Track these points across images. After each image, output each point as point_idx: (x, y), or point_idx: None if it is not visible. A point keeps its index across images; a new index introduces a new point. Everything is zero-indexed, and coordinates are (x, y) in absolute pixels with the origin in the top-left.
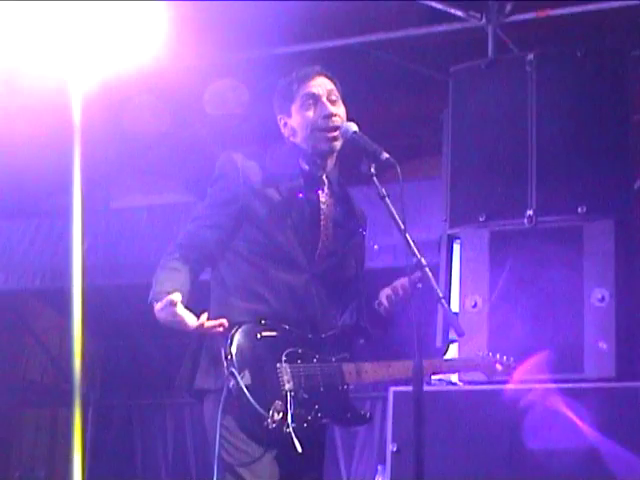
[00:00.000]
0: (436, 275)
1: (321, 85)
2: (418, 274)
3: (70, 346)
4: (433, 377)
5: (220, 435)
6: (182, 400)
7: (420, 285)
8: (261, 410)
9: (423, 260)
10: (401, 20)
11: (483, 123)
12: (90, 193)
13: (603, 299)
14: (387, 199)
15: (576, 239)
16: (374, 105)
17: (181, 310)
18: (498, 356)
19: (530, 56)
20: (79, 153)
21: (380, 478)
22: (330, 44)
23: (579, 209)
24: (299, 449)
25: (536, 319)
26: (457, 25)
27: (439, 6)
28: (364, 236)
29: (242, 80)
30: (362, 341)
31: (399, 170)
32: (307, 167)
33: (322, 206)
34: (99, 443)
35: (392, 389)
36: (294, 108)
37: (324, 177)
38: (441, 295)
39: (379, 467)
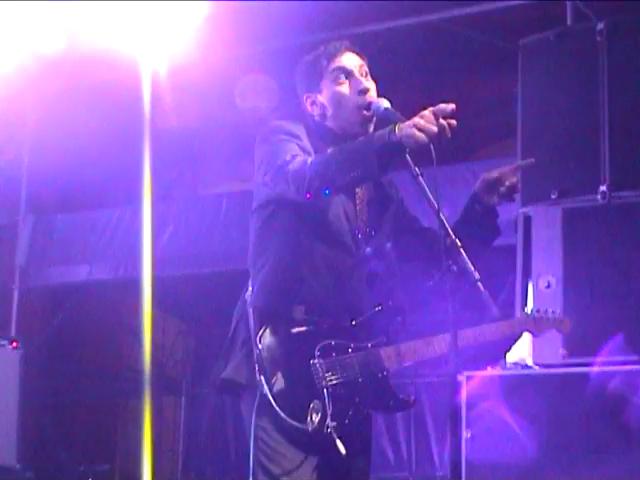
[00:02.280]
0: (514, 255)
1: (351, 60)
2: None
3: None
4: (508, 361)
5: (258, 437)
6: None
7: (455, 267)
8: (294, 416)
9: (458, 241)
10: None
11: (553, 97)
12: (179, 180)
13: None
14: (420, 178)
15: None
16: (465, 84)
17: None
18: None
19: (600, 25)
20: (149, 144)
21: None
22: (410, 21)
23: None
24: (343, 451)
25: (612, 299)
26: None
27: None
28: (403, 204)
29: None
30: (399, 320)
31: (433, 148)
32: None
33: (356, 189)
34: (192, 431)
35: (465, 373)
36: (325, 84)
37: None
38: (477, 277)
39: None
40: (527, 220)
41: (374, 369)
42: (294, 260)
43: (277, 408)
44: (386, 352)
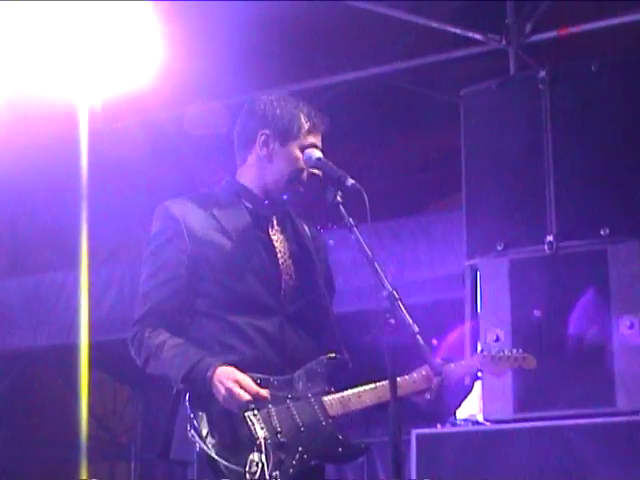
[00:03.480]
0: (463, 309)
1: (319, 141)
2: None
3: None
4: (458, 417)
5: None
6: None
7: (393, 321)
8: (232, 465)
9: (395, 293)
10: (420, 48)
11: (496, 147)
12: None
13: (632, 326)
14: (355, 228)
15: (601, 263)
16: (410, 139)
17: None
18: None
19: (542, 73)
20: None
21: None
22: (349, 77)
23: (602, 231)
24: None
25: (562, 351)
26: (477, 49)
27: (457, 30)
28: (326, 260)
29: None
30: (340, 369)
31: (366, 197)
32: (251, 205)
33: (275, 244)
34: None
35: (415, 432)
36: (294, 145)
37: (271, 213)
38: (416, 330)
39: None
40: (473, 272)
41: (317, 417)
42: (221, 335)
43: (215, 456)
44: (330, 400)
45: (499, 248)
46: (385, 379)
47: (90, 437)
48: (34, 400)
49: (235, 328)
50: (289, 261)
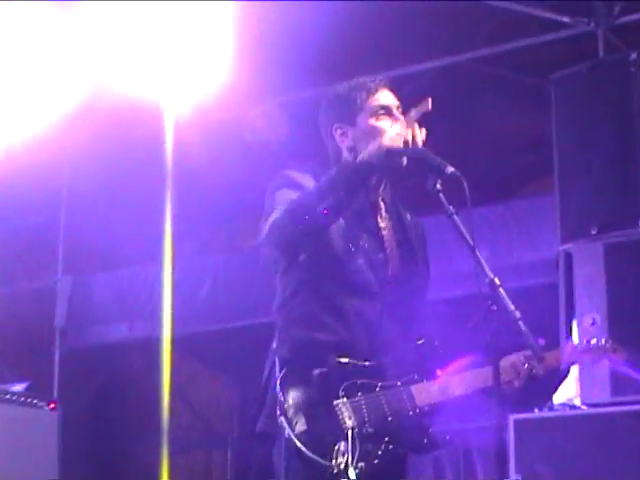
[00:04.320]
0: (557, 294)
1: (390, 98)
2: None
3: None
4: (555, 402)
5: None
6: None
7: (495, 307)
8: (318, 457)
9: (497, 280)
10: (507, 32)
11: (588, 130)
12: (216, 233)
13: None
14: (455, 216)
15: None
16: (493, 126)
17: None
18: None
19: (633, 55)
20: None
21: None
22: (435, 64)
23: None
24: None
25: None
26: (565, 32)
27: (545, 14)
28: (425, 247)
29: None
30: (432, 357)
31: (465, 184)
32: (362, 192)
33: (383, 232)
34: None
35: (512, 417)
36: (362, 117)
37: (379, 200)
38: (518, 316)
39: None
40: (568, 257)
41: (405, 407)
42: (318, 311)
43: (302, 447)
44: (417, 389)
45: (593, 232)
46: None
47: (186, 427)
48: (129, 394)
49: (335, 307)
50: (396, 250)
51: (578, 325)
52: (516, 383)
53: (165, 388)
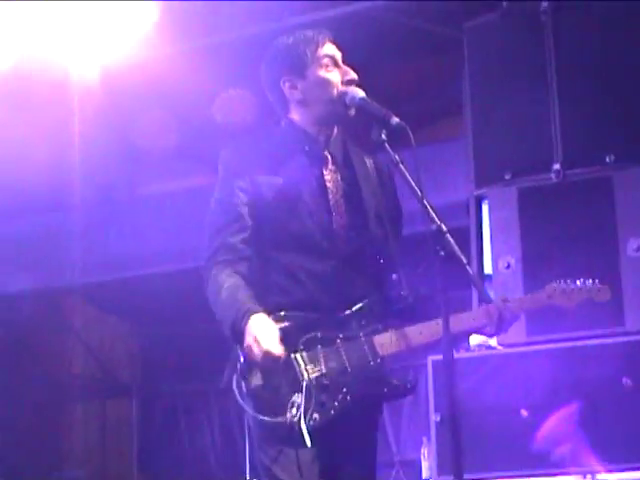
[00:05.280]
0: (467, 238)
1: (335, 49)
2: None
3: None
4: (472, 343)
5: (251, 434)
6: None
7: (442, 252)
8: (272, 412)
9: (443, 226)
10: None
11: (501, 77)
12: (113, 182)
13: (639, 249)
14: (402, 165)
15: (607, 190)
16: (389, 71)
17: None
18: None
19: (544, 4)
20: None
21: (426, 450)
22: (338, 11)
23: (607, 158)
24: (308, 444)
25: (571, 275)
26: None
27: None
28: (393, 191)
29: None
30: (394, 307)
31: (411, 134)
32: (307, 146)
33: (328, 184)
34: (145, 433)
35: (430, 358)
36: (312, 70)
37: (326, 153)
38: (465, 261)
39: (424, 438)
40: (478, 201)
41: (365, 357)
42: (270, 274)
43: (246, 406)
44: (379, 339)
45: (507, 177)
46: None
47: (88, 376)
48: (32, 340)
49: (286, 269)
50: (341, 201)
51: (493, 268)
52: (488, 328)
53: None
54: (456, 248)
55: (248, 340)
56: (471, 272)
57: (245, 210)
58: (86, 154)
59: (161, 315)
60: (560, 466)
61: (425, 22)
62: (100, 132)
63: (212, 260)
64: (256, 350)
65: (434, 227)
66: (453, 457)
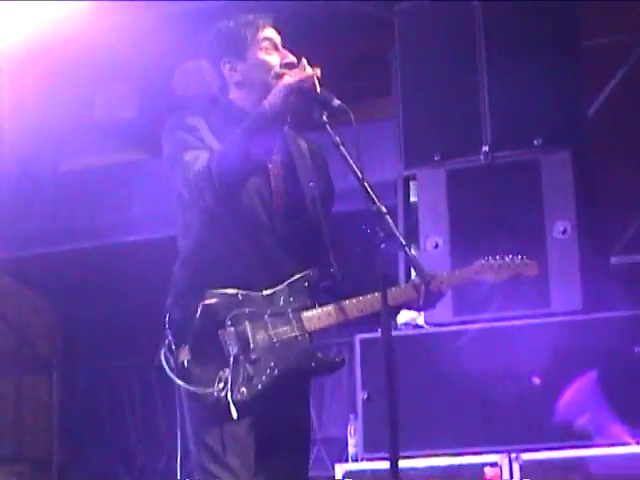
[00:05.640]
0: (394, 217)
1: (275, 34)
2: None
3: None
4: (399, 321)
5: (185, 409)
6: (148, 360)
7: (382, 233)
8: (198, 387)
9: (383, 208)
10: None
11: (432, 60)
12: (35, 157)
13: (565, 231)
14: (342, 147)
15: (534, 172)
16: (318, 49)
17: None
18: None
19: None
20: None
21: (352, 427)
22: None
23: (535, 141)
24: (234, 415)
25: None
26: None
27: None
28: (327, 175)
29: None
30: (325, 284)
31: (352, 116)
32: None
33: (269, 165)
34: (65, 409)
35: (358, 336)
36: (251, 52)
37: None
38: (404, 242)
39: (351, 416)
40: (406, 182)
41: (293, 332)
42: (213, 241)
43: (179, 380)
44: (307, 315)
45: (436, 159)
46: (368, 292)
47: (8, 352)
48: None
49: (229, 241)
50: (280, 181)
51: (422, 248)
52: (416, 303)
53: None
54: (395, 229)
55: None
56: (409, 253)
57: None
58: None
59: (82, 291)
60: (585, 439)
61: (355, 2)
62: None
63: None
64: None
65: (374, 208)
66: (390, 434)
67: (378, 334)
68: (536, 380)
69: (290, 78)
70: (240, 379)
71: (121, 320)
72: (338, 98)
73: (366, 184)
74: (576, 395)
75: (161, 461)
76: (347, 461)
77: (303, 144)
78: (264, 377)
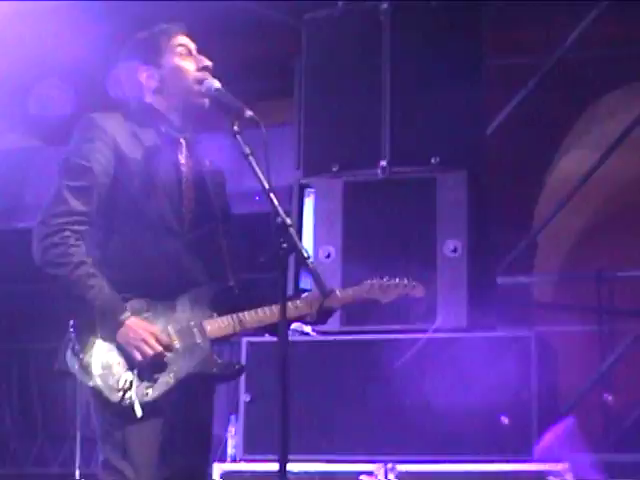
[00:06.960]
0: None
1: (189, 41)
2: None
3: None
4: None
5: (92, 408)
6: (26, 345)
7: (285, 245)
8: (105, 388)
9: (288, 220)
10: None
11: (337, 72)
12: None
13: (455, 250)
14: (251, 157)
15: (430, 190)
16: (220, 50)
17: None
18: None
19: (384, 5)
20: None
21: (233, 428)
22: None
23: (433, 160)
24: (139, 414)
25: (389, 269)
26: None
27: None
28: (224, 193)
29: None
30: (228, 293)
31: (263, 128)
32: (164, 129)
33: (182, 169)
34: None
35: (245, 339)
36: (167, 58)
37: (181, 139)
38: (307, 255)
39: (232, 417)
40: (302, 189)
41: (194, 339)
42: (118, 243)
43: (84, 380)
44: (209, 323)
45: (334, 169)
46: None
47: None
48: None
49: (136, 246)
50: (191, 187)
51: (314, 255)
52: (309, 317)
53: None
54: (299, 242)
55: (136, 337)
56: (311, 266)
57: (102, 179)
58: None
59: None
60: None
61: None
62: None
63: (55, 221)
64: (149, 350)
65: (279, 220)
66: (281, 439)
67: (265, 338)
68: (505, 420)
69: (206, 102)
70: (143, 383)
71: (2, 305)
72: (236, 98)
73: (272, 195)
74: (554, 441)
75: (35, 446)
76: (225, 461)
77: (207, 162)
78: (169, 380)
